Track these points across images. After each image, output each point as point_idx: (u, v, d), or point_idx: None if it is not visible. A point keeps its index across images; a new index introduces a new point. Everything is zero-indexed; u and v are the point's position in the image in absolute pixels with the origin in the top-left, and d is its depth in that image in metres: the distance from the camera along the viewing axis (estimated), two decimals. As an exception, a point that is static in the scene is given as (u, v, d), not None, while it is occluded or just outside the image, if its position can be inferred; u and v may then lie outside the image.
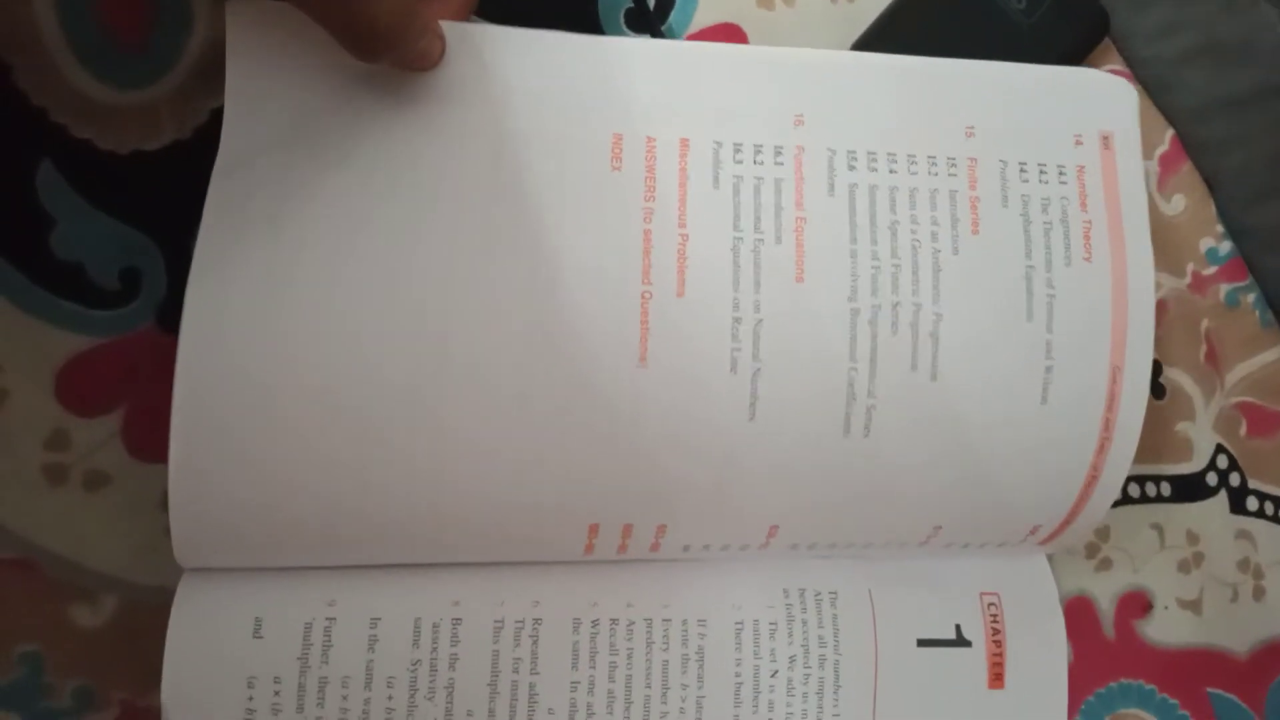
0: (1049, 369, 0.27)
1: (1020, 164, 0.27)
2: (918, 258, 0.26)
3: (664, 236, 0.25)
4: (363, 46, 0.23)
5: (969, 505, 0.28)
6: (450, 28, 0.25)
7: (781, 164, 0.26)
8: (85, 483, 0.28)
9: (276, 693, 0.25)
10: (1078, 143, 0.28)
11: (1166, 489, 0.35)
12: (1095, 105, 0.28)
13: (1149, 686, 0.34)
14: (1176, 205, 0.37)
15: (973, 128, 0.27)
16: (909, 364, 0.26)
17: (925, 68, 0.28)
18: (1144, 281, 0.27)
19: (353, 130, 0.25)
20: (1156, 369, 0.35)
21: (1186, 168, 0.37)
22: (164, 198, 0.28)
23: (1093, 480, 0.28)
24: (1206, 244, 0.37)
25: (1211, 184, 0.37)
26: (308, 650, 0.25)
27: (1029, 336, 0.27)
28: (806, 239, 0.26)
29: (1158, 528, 0.35)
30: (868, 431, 0.26)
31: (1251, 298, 0.37)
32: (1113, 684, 0.34)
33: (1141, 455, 0.35)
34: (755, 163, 0.26)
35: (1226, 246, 0.37)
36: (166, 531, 0.25)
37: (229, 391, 0.23)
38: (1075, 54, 0.35)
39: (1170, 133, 0.37)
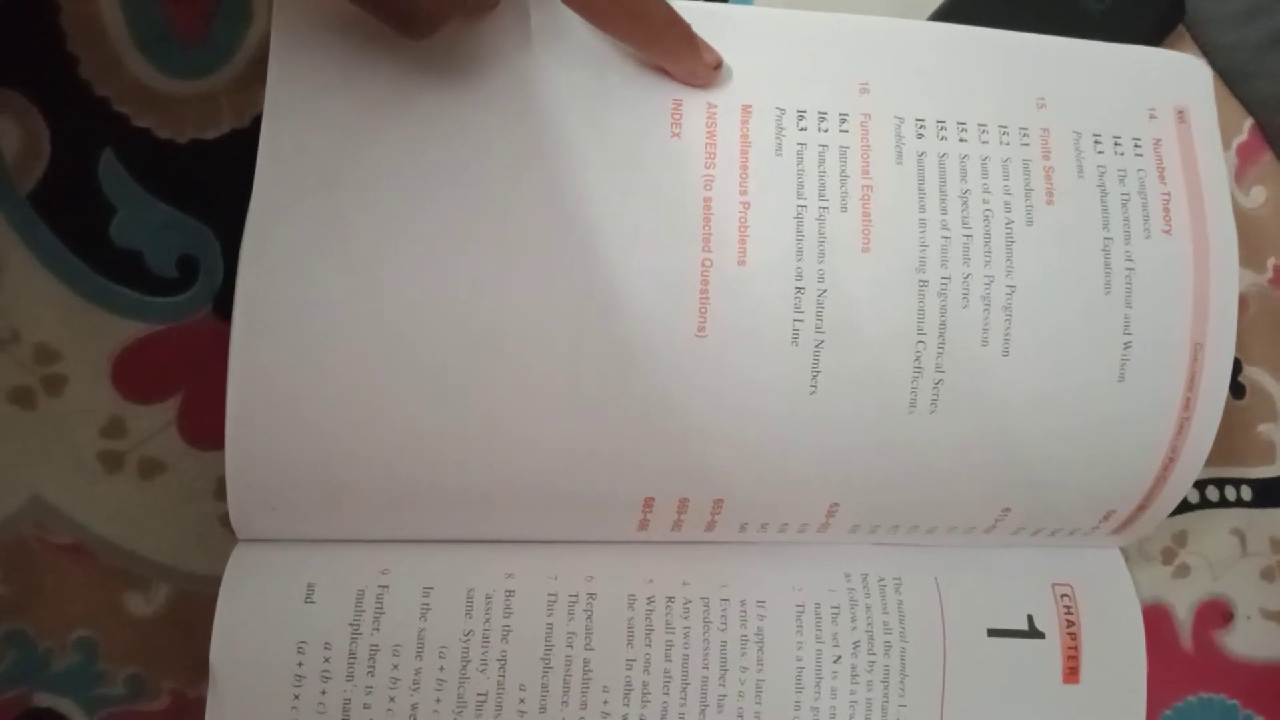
0: (1127, 345, 0.26)
1: (1094, 135, 0.27)
2: (990, 228, 0.25)
3: (725, 204, 0.25)
4: (411, 31, 0.23)
5: (1040, 487, 0.27)
6: None
7: (846, 131, 0.25)
8: (141, 470, 0.28)
9: (326, 659, 0.24)
10: (1151, 116, 0.27)
11: (1248, 493, 0.34)
12: (1167, 81, 0.28)
13: (1231, 701, 0.33)
14: (1256, 197, 0.35)
15: (1043, 99, 0.27)
16: (980, 338, 0.25)
17: (993, 38, 0.27)
18: (1227, 256, 0.26)
19: (402, 85, 0.24)
20: (1236, 367, 0.34)
21: (1267, 158, 0.35)
22: (222, 186, 0.28)
23: (1170, 463, 0.27)
24: (1288, 238, 0.35)
25: (1295, 176, 0.35)
26: (359, 617, 0.24)
27: (1107, 311, 0.26)
28: (873, 208, 0.25)
29: (1239, 534, 0.34)
30: (934, 407, 0.25)
31: (1337, 295, 0.35)
32: (1191, 698, 0.32)
33: (1222, 457, 0.34)
34: (820, 130, 0.25)
35: (1309, 241, 0.35)
36: (221, 520, 0.25)
37: (284, 357, 0.23)
38: (1148, 42, 0.34)
39: (1249, 122, 0.35)
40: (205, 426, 0.28)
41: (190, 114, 0.29)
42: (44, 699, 0.27)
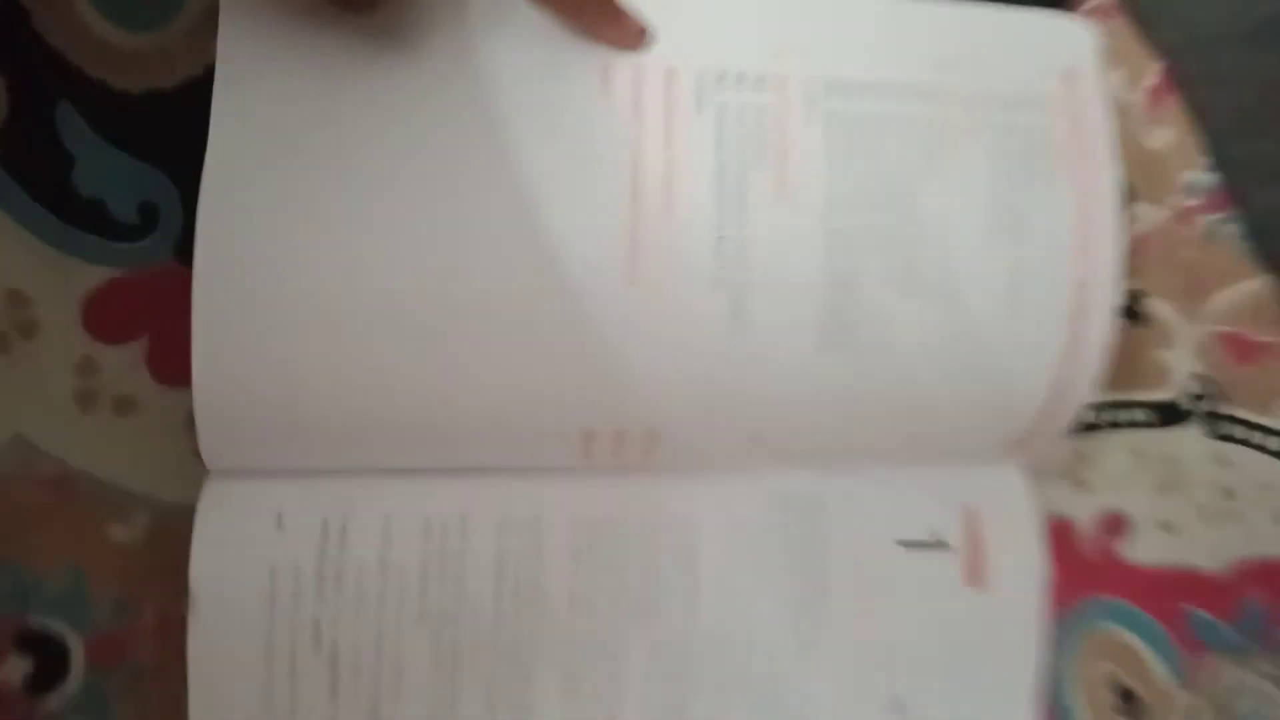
0: (1017, 282, 0.28)
1: (989, 93, 0.29)
2: (894, 179, 0.28)
3: (651, 159, 0.27)
4: (350, 6, 0.25)
5: (942, 413, 0.29)
6: None
7: (763, 92, 0.27)
8: (114, 407, 0.29)
9: (296, 581, 0.26)
10: (1043, 76, 0.29)
11: (1144, 415, 0.36)
12: (1058, 43, 0.30)
13: (1127, 603, 0.35)
14: (1161, 137, 0.37)
15: (942, 61, 0.29)
16: (884, 279, 0.28)
17: (896, 6, 0.29)
18: (1107, 200, 0.29)
19: (349, 49, 0.26)
20: (1135, 298, 0.36)
21: (1173, 101, 0.37)
22: (178, 135, 0.29)
23: (1058, 390, 0.29)
24: (1190, 176, 0.37)
25: (1201, 116, 0.37)
26: (326, 542, 0.27)
27: (998, 251, 0.28)
28: (788, 162, 0.27)
29: (1136, 452, 0.36)
30: (845, 343, 0.28)
31: (1233, 229, 0.38)
32: (1091, 599, 0.35)
33: (1119, 382, 0.36)
34: (738, 90, 0.27)
35: (1209, 179, 0.37)
36: (193, 452, 0.27)
37: (245, 300, 0.25)
38: (1064, -13, 0.36)
39: (1158, 65, 0.37)
40: (173, 365, 0.29)
41: (145, 64, 0.30)
42: (37, 621, 0.29)
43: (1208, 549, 0.36)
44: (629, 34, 0.27)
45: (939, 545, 0.30)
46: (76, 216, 0.29)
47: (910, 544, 0.30)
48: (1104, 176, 0.29)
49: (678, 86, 0.27)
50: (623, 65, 0.27)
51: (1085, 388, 0.30)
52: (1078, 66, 0.30)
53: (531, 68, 0.26)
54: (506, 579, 0.28)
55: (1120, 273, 0.29)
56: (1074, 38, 0.30)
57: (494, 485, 0.28)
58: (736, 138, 0.27)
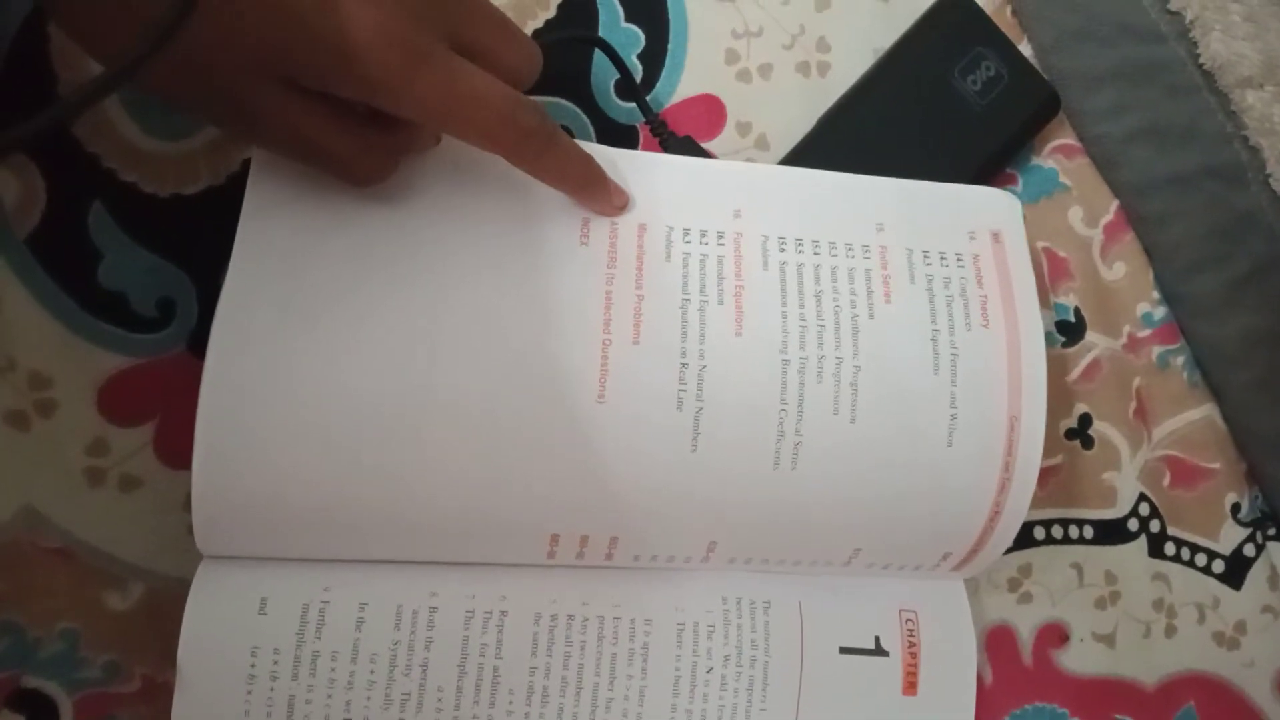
0: (953, 416, 0.31)
1: (924, 251, 0.32)
2: (839, 320, 0.31)
3: (623, 296, 0.30)
4: (359, 186, 0.29)
5: (884, 532, 0.32)
6: None
7: (723, 245, 0.31)
8: (120, 485, 0.32)
9: (275, 662, 0.28)
10: (971, 237, 0.33)
11: (1089, 532, 0.38)
12: (986, 210, 0.33)
13: (1061, 710, 0.37)
14: (1117, 271, 0.40)
15: (882, 224, 0.32)
16: (831, 408, 0.30)
17: (840, 180, 0.33)
18: (1035, 344, 0.32)
19: (358, 196, 0.29)
20: (1087, 421, 0.39)
21: (1129, 238, 0.40)
22: (199, 236, 0.32)
23: (995, 515, 0.32)
24: (1143, 308, 0.40)
25: (1151, 254, 0.40)
26: (304, 627, 0.29)
27: (935, 388, 0.31)
28: (745, 302, 0.30)
29: (1078, 567, 0.38)
30: (795, 465, 0.30)
31: (1181, 360, 0.40)
32: (1028, 706, 0.37)
33: (1068, 500, 0.38)
34: (701, 243, 0.31)
35: (1161, 311, 0.40)
36: (189, 530, 0.29)
37: (246, 401, 0.28)
38: (1027, 132, 0.38)
39: (1115, 204, 0.40)
40: (177, 448, 0.32)
41: (172, 171, 0.32)
42: (31, 681, 0.31)
43: (1143, 662, 0.38)
44: (613, 206, 0.31)
45: (879, 653, 0.32)
46: (100, 307, 0.32)
47: (852, 650, 0.32)
48: (1031, 324, 0.32)
49: (648, 237, 0.30)
50: (600, 219, 0.31)
51: (1020, 513, 0.32)
52: (1004, 228, 0.33)
53: (517, 217, 0.30)
54: (469, 668, 0.30)
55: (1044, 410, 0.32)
56: (1000, 205, 0.34)
57: (463, 578, 0.30)
58: (699, 280, 0.30)
